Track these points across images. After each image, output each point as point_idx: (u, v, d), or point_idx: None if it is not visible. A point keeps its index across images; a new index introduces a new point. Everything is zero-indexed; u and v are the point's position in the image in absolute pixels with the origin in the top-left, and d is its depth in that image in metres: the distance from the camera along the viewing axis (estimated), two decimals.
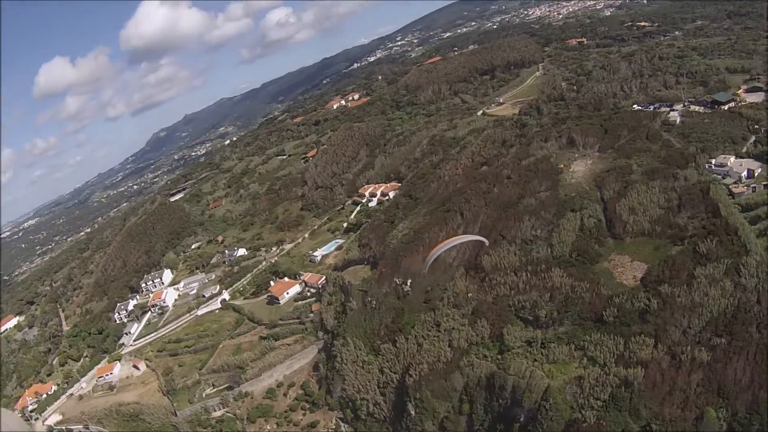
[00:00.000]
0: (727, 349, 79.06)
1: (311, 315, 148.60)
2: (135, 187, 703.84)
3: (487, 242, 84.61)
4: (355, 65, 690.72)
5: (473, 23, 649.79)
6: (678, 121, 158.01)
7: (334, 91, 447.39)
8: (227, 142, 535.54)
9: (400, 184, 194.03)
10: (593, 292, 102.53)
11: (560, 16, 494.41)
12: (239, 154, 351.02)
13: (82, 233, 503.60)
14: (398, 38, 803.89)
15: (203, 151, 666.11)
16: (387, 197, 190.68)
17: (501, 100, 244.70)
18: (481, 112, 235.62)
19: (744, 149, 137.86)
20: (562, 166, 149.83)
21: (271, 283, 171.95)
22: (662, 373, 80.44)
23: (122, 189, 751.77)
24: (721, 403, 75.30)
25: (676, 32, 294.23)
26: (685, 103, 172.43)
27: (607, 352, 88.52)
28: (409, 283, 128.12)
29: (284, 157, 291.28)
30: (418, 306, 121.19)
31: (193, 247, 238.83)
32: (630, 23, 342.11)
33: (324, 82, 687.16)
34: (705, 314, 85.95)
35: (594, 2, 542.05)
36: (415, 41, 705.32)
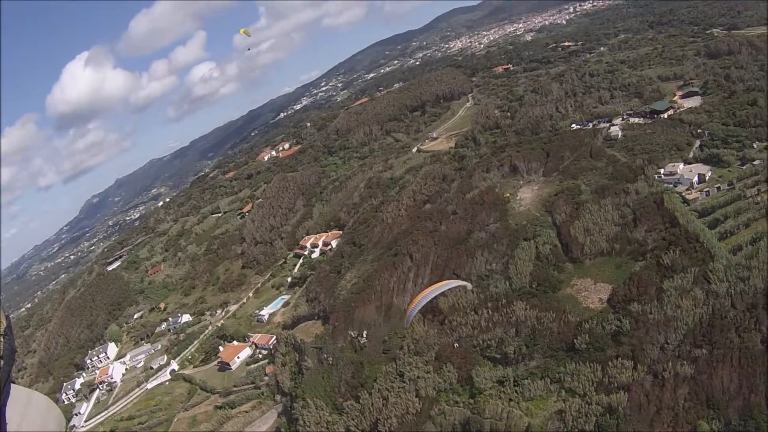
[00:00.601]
0: (709, 359, 79.97)
1: (266, 378, 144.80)
2: (72, 257, 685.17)
3: (469, 286, 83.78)
4: (282, 114, 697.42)
5: (396, 62, 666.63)
6: (620, 135, 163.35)
7: (263, 143, 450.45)
8: (161, 203, 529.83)
9: (341, 232, 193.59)
10: (560, 320, 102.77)
11: (482, 46, 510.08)
12: (174, 215, 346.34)
13: (23, 309, 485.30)
14: (322, 84, 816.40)
15: (137, 215, 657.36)
16: (330, 247, 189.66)
17: (435, 135, 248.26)
18: (415, 149, 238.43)
19: (691, 155, 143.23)
20: (508, 195, 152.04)
21: (220, 348, 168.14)
22: (647, 394, 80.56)
23: (59, 260, 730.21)
24: (713, 414, 75.73)
25: (602, 48, 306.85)
26: (624, 116, 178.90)
27: (585, 381, 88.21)
28: (365, 335, 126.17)
29: (220, 214, 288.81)
30: (378, 357, 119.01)
31: (135, 317, 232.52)
32: (554, 44, 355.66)
33: (252, 134, 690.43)
34: (681, 327, 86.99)
35: (513, 29, 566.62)
36: (340, 85, 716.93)
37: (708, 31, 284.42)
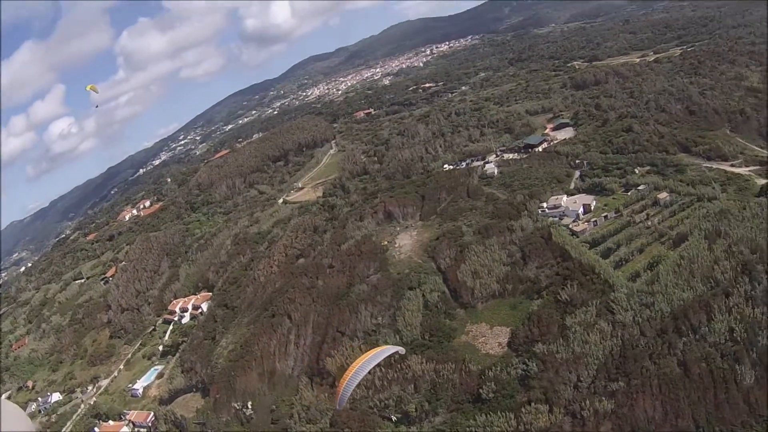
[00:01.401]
0: (627, 390, 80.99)
1: None
2: None
3: (403, 350, 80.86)
4: (142, 171, 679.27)
5: (254, 112, 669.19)
6: (496, 172, 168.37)
7: (124, 201, 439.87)
8: (22, 269, 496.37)
9: (211, 294, 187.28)
10: (461, 371, 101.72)
11: (340, 92, 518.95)
12: (35, 282, 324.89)
13: None
14: (181, 137, 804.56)
15: None
16: (200, 310, 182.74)
17: (300, 185, 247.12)
18: (281, 200, 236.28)
19: (572, 186, 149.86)
20: (386, 243, 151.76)
21: (96, 429, 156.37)
22: None
23: None
24: None
25: (463, 87, 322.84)
26: (498, 153, 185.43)
27: None
28: (249, 405, 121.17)
29: (82, 280, 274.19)
30: (267, 429, 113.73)
31: (3, 397, 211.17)
32: (415, 86, 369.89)
33: (112, 192, 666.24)
34: (592, 363, 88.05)
35: (371, 73, 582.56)
36: (198, 138, 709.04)
37: (569, 64, 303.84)
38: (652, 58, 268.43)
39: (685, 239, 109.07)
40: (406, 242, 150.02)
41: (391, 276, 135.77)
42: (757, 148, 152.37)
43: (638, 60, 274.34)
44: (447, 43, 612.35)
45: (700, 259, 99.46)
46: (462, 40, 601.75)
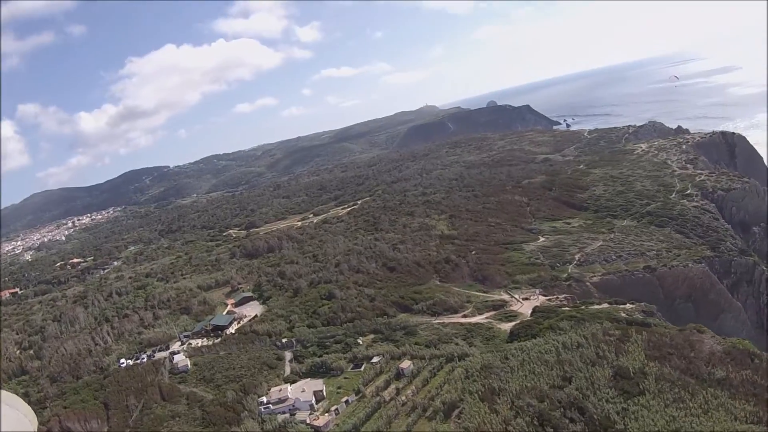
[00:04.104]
0: None
1: None
2: None
3: None
4: None
5: None
6: (189, 365, 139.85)
7: None
8: None
9: None
10: None
11: None
12: None
13: None
14: None
15: None
16: None
17: None
18: None
19: (288, 371, 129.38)
20: None
21: None
22: None
23: None
24: None
25: (115, 262, 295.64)
26: (183, 340, 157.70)
27: None
28: None
29: None
30: None
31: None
32: (62, 262, 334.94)
33: None
34: None
35: (12, 247, 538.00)
36: None
37: (225, 233, 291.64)
38: (316, 220, 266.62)
39: (455, 407, 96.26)
40: None
41: None
42: (476, 293, 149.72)
43: (300, 223, 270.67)
44: (89, 215, 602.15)
45: (488, 424, 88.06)
46: (104, 212, 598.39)
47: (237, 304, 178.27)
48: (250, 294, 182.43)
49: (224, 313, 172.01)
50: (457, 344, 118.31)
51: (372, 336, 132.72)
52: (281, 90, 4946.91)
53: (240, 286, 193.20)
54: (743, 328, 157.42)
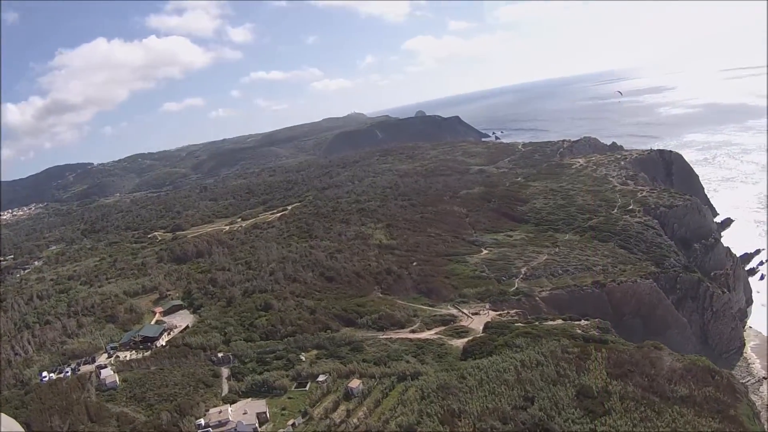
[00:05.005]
0: None
1: None
2: None
3: None
4: None
5: None
6: (118, 381, 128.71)
7: None
8: None
9: None
10: None
11: None
12: None
13: None
14: None
15: None
16: None
17: None
18: None
19: (226, 389, 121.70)
20: None
21: None
22: None
23: None
24: None
25: (36, 262, 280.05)
26: (110, 352, 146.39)
27: None
28: None
29: None
30: None
31: None
32: None
33: None
34: None
35: None
36: None
37: (150, 235, 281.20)
38: (245, 224, 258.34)
39: (413, 430, 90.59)
40: None
41: None
42: (423, 306, 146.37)
43: (228, 228, 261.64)
44: (10, 210, 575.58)
45: None
46: (25, 208, 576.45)
47: (166, 313, 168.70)
48: (179, 302, 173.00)
49: (153, 322, 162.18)
50: (408, 362, 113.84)
51: (315, 352, 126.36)
52: (210, 90, 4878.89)
53: (168, 293, 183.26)
54: (688, 343, 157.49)
